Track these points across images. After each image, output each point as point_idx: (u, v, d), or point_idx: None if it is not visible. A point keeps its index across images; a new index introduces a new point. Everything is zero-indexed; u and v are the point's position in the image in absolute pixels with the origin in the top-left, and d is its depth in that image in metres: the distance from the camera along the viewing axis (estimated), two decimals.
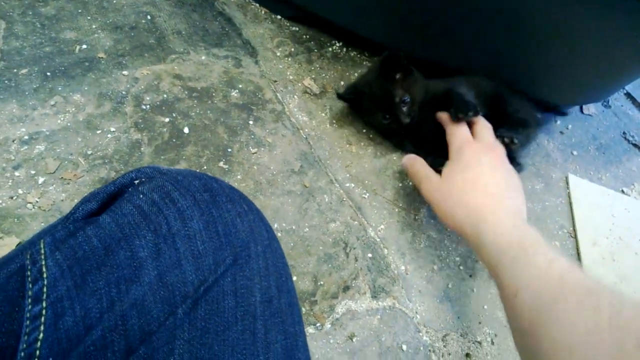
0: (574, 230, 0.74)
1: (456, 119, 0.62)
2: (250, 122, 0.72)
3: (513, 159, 0.66)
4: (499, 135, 0.63)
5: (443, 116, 0.65)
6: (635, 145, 0.92)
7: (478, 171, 0.54)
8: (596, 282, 0.35)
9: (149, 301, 0.27)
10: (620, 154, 0.90)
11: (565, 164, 0.84)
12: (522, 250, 0.42)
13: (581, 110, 0.93)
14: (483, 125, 0.62)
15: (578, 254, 0.71)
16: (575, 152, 0.86)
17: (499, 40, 0.71)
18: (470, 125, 0.63)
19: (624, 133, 0.94)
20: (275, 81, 0.80)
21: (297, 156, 0.71)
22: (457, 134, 0.60)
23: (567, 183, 0.80)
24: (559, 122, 0.91)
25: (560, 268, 0.38)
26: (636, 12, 0.56)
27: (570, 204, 0.78)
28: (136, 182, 0.34)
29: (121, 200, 0.32)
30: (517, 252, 0.42)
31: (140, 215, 0.30)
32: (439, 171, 0.59)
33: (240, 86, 0.77)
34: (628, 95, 1.02)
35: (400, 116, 0.68)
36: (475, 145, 0.57)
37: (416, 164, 0.62)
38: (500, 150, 0.58)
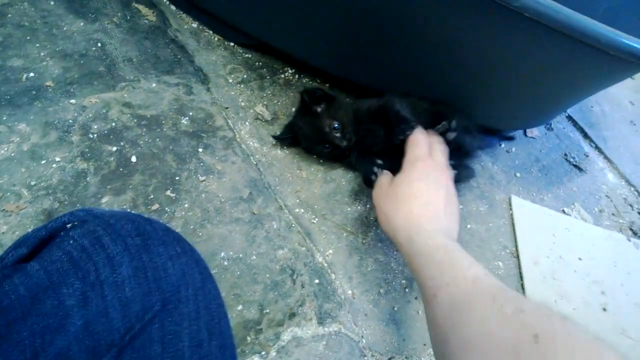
0: (517, 250, 0.77)
1: (398, 140, 0.66)
2: (200, 150, 0.73)
3: (461, 164, 0.72)
4: (435, 129, 0.69)
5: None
6: (575, 166, 0.97)
7: (423, 186, 0.58)
8: (503, 286, 0.40)
9: (74, 351, 0.27)
10: (561, 174, 0.94)
11: (508, 185, 0.88)
12: (447, 256, 0.47)
13: (525, 133, 0.98)
14: (439, 146, 0.66)
15: (520, 273, 0.74)
16: (518, 174, 0.90)
17: (442, 70, 0.74)
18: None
19: (565, 154, 0.98)
20: (227, 108, 0.80)
21: (246, 183, 0.71)
22: (415, 148, 0.64)
23: (510, 204, 0.84)
24: (503, 145, 0.95)
25: (474, 272, 0.42)
26: (564, 44, 0.60)
27: (513, 224, 0.81)
28: (68, 225, 0.34)
29: (51, 246, 0.32)
30: (442, 257, 0.47)
31: (69, 262, 0.31)
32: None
33: (190, 113, 0.77)
34: (569, 117, 1.07)
35: (336, 142, 0.72)
36: (428, 163, 0.62)
37: (382, 176, 0.66)
38: (449, 173, 0.63)
